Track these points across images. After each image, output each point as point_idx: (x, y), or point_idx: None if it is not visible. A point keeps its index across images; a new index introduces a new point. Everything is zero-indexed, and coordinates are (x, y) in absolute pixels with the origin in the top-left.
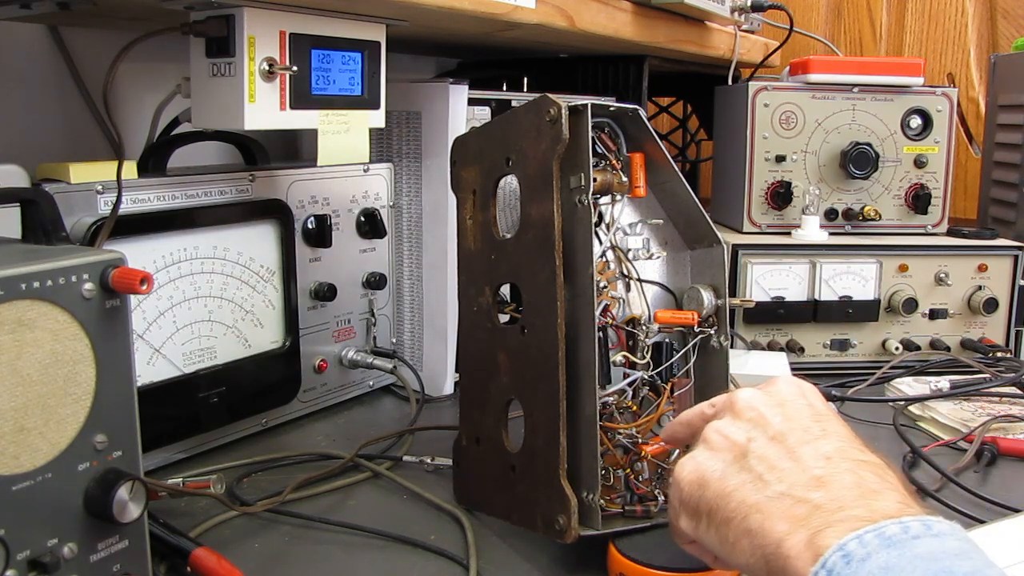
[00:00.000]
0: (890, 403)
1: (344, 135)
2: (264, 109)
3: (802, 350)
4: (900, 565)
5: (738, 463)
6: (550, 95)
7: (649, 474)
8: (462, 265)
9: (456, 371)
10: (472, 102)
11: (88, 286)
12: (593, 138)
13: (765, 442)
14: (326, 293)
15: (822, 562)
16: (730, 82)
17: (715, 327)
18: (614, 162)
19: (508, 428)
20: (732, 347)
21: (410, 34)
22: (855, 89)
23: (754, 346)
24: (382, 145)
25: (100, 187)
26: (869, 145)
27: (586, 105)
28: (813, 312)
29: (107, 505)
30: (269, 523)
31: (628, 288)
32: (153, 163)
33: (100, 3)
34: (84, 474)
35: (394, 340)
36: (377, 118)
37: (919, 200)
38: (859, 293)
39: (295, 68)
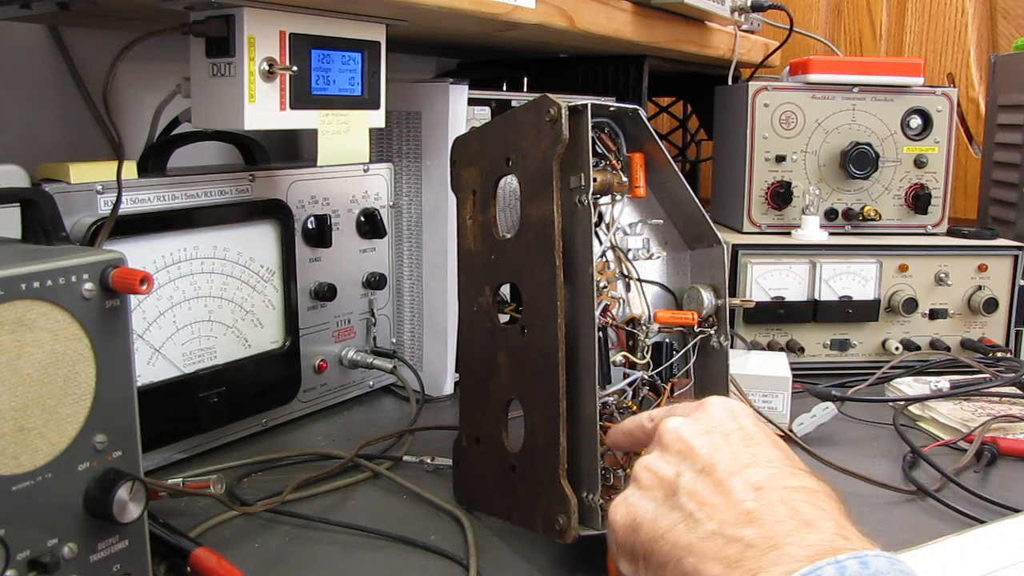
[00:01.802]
0: (890, 403)
1: (344, 135)
2: (264, 109)
3: (802, 350)
4: None
5: (668, 501)
6: (550, 95)
7: None
8: (462, 265)
9: (456, 371)
10: (472, 102)
11: (88, 286)
12: (593, 138)
13: (693, 476)
14: (326, 293)
15: None
16: (730, 82)
17: (715, 327)
18: (614, 162)
19: (508, 428)
20: (732, 347)
21: (410, 34)
22: (855, 89)
23: (754, 346)
24: (382, 145)
25: (100, 187)
26: (869, 145)
27: (586, 105)
28: (813, 312)
29: (107, 505)
30: (269, 523)
31: (628, 288)
32: (153, 163)
33: (100, 3)
34: (84, 474)
35: (394, 340)
36: (377, 118)
37: (919, 200)
38: (859, 293)
39: (295, 68)
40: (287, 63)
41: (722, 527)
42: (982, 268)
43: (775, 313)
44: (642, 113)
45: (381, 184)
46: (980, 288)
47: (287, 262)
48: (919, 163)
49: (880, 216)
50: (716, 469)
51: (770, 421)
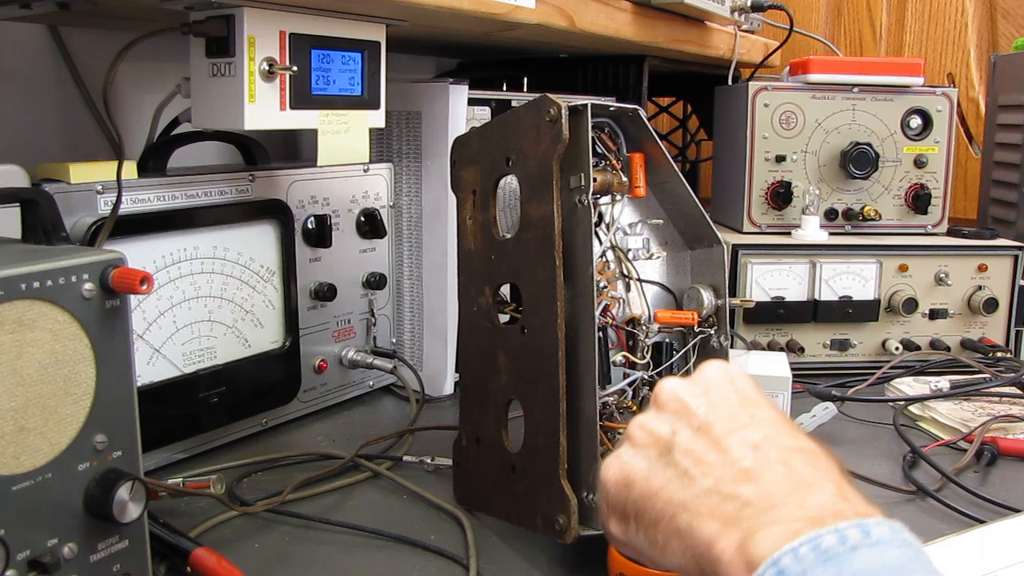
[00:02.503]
0: (890, 403)
1: (344, 135)
2: (264, 109)
3: (802, 350)
4: None
5: (663, 459)
6: (550, 95)
7: None
8: (462, 265)
9: (456, 371)
10: (472, 102)
11: (88, 286)
12: (593, 138)
13: (690, 434)
14: (326, 293)
15: None
16: (730, 82)
17: (715, 327)
18: (614, 162)
19: (508, 428)
20: (732, 347)
21: (410, 34)
22: (855, 89)
23: (754, 346)
24: (382, 145)
25: (100, 187)
26: (869, 145)
27: (586, 105)
28: (813, 312)
29: (107, 505)
30: (269, 523)
31: (628, 288)
32: (153, 163)
33: (100, 3)
34: (84, 474)
35: (394, 340)
36: (377, 118)
37: (919, 200)
38: (859, 293)
39: (295, 68)
40: (287, 63)
41: (719, 484)
42: (982, 268)
43: (775, 313)
44: (642, 113)
45: (381, 184)
46: (980, 288)
47: (287, 262)
48: (919, 163)
49: (880, 216)
50: (713, 428)
51: None
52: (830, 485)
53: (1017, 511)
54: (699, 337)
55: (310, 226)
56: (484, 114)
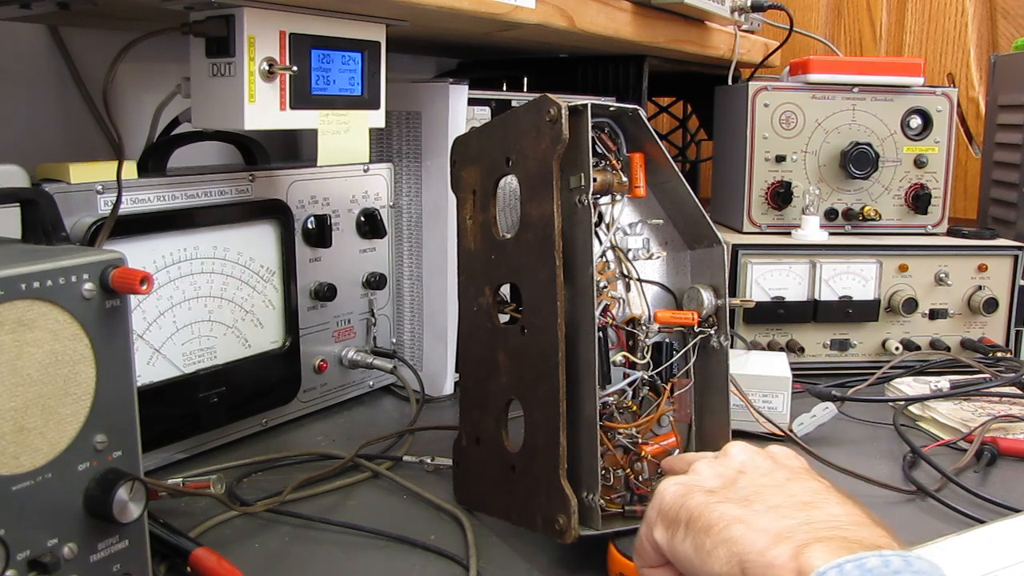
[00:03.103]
0: (890, 403)
1: (344, 135)
2: (264, 109)
3: (802, 350)
4: None
5: (728, 486)
6: (550, 95)
7: (649, 474)
8: (462, 265)
9: (456, 371)
10: (472, 102)
11: (88, 286)
12: (593, 138)
13: (755, 476)
14: (326, 293)
15: None
16: (730, 82)
17: (715, 327)
18: (614, 162)
19: (508, 428)
20: (732, 347)
21: (410, 34)
22: (855, 89)
23: (754, 346)
24: (382, 145)
25: (100, 187)
26: (869, 145)
27: (586, 105)
28: (813, 312)
29: (107, 505)
30: (269, 523)
31: (628, 288)
32: (153, 163)
33: (100, 3)
34: (84, 474)
35: (394, 340)
36: (377, 118)
37: (919, 200)
38: (859, 293)
39: (295, 68)
40: (287, 63)
41: (778, 508)
42: (982, 268)
43: (775, 313)
44: (642, 113)
45: (381, 184)
46: (980, 288)
47: (287, 262)
48: (919, 163)
49: (880, 216)
50: (776, 474)
51: (770, 421)
52: (882, 530)
53: (1017, 511)
54: (699, 337)
55: (310, 226)
56: (484, 114)
